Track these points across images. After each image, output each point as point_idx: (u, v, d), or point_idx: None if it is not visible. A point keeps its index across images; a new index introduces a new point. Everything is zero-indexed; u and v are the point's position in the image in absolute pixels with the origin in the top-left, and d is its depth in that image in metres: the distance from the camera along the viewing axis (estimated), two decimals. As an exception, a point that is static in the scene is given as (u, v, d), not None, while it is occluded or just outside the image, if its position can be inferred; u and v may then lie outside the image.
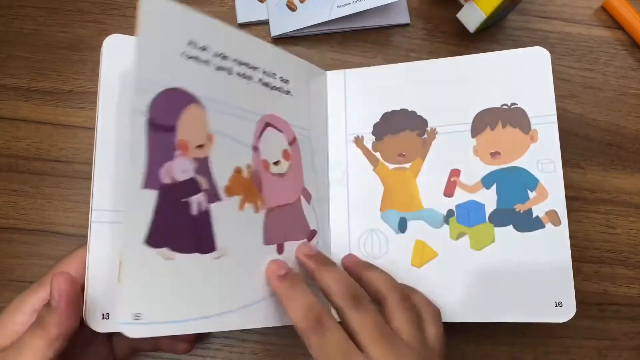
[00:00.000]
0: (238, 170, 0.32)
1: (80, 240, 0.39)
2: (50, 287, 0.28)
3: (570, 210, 0.41)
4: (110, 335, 0.34)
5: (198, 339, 0.38)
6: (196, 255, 0.29)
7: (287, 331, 0.39)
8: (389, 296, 0.31)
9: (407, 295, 0.32)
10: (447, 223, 0.36)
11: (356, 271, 0.34)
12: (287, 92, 0.36)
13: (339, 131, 0.39)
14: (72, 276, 0.28)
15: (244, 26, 0.44)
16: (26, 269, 0.39)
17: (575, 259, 0.40)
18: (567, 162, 0.42)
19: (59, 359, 0.28)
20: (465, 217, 0.36)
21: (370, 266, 0.34)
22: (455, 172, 0.37)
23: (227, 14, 0.44)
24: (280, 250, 0.34)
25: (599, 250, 0.41)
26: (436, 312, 0.33)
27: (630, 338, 0.40)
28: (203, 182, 0.30)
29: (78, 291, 0.28)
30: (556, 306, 0.33)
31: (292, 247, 0.35)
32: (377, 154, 0.38)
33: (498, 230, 0.35)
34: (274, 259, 0.33)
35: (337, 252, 0.37)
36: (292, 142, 0.36)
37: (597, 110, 0.44)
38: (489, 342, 0.40)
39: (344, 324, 0.30)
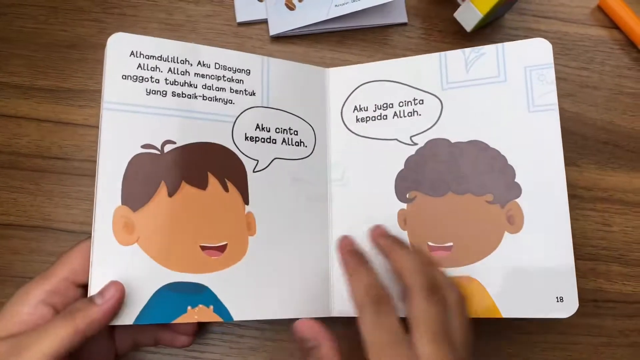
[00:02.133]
0: None
1: (80, 236, 0.40)
2: (102, 287, 0.30)
3: (566, 208, 0.42)
4: (113, 330, 0.34)
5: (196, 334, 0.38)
6: None
7: (285, 327, 0.39)
8: (415, 284, 0.30)
9: (434, 285, 0.30)
10: None
11: (385, 247, 0.34)
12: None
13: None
14: (121, 284, 0.30)
15: (242, 25, 0.44)
16: (26, 265, 0.39)
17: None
18: (564, 160, 0.43)
19: (70, 354, 0.28)
20: None
21: (401, 245, 0.34)
22: None
23: (225, 13, 0.44)
24: None
25: (595, 248, 0.41)
26: (461, 299, 0.31)
27: (626, 335, 0.40)
28: None
29: (123, 301, 0.30)
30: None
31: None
32: None
33: None
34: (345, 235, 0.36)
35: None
36: None
37: (594, 109, 0.44)
38: (483, 338, 0.40)
39: (407, 309, 0.30)
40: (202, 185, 0.34)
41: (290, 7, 0.43)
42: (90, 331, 0.28)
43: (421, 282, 0.30)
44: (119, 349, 0.34)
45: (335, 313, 0.36)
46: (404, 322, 0.29)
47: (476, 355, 0.40)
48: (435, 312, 0.29)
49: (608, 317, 0.40)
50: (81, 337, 0.28)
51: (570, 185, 0.42)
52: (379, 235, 0.35)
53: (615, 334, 0.40)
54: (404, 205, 0.37)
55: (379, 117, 0.39)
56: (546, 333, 0.40)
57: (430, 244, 0.36)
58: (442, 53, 0.38)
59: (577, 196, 0.42)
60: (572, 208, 0.42)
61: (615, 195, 0.42)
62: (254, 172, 0.36)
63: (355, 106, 0.39)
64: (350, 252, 0.34)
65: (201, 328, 0.39)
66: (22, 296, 0.30)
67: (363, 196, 0.38)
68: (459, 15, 0.42)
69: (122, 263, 0.32)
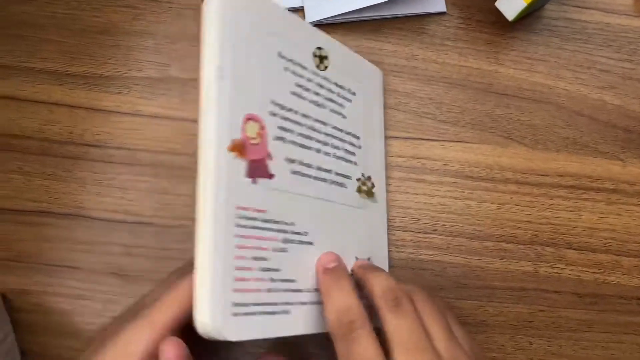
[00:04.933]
0: None
1: (112, 225, 0.39)
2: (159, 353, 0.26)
3: (609, 203, 0.41)
4: None
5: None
6: None
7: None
8: (381, 303, 0.28)
9: (397, 298, 0.28)
10: None
11: (360, 275, 0.31)
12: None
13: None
14: (180, 341, 0.26)
15: (277, 13, 0.43)
16: (56, 252, 0.39)
17: (615, 252, 0.40)
18: (606, 154, 0.42)
19: None
20: None
21: (374, 270, 0.31)
22: None
23: None
24: None
25: (639, 244, 0.40)
26: (432, 302, 0.30)
27: (671, 334, 0.39)
28: None
29: (187, 356, 0.26)
30: None
31: None
32: None
33: None
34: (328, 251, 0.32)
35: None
36: None
37: (637, 101, 0.43)
38: (524, 335, 0.39)
39: (382, 329, 0.27)
40: None
41: (329, -7, 0.42)
42: None
43: (385, 298, 0.28)
44: None
45: None
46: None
47: (515, 350, 0.39)
48: (406, 325, 0.27)
49: (654, 315, 0.39)
50: None
51: (613, 180, 0.41)
52: (357, 266, 0.33)
53: (660, 333, 0.39)
54: None
55: None
56: (589, 331, 0.39)
57: None
58: None
59: (620, 191, 0.41)
60: (615, 203, 0.41)
61: (660, 190, 0.41)
62: None
63: None
64: (325, 270, 0.30)
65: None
66: (123, 348, 0.26)
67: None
68: (500, 4, 0.41)
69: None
